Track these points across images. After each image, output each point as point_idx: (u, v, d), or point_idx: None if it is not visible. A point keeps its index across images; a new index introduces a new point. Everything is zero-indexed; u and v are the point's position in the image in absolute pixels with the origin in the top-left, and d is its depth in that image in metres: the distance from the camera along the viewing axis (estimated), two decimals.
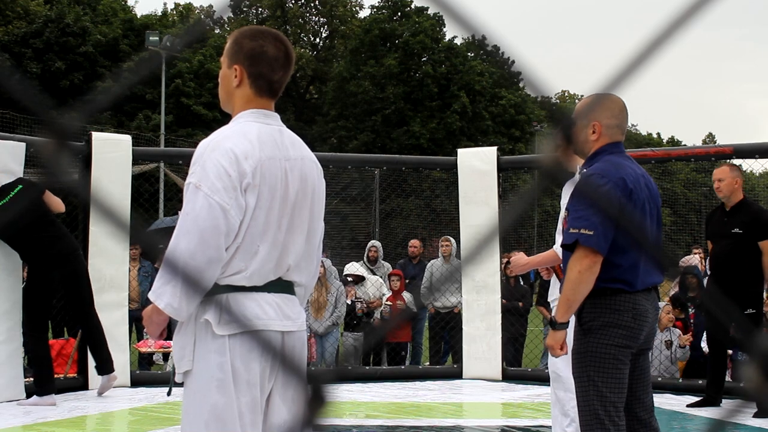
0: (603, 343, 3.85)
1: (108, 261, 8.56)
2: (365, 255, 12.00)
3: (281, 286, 2.99)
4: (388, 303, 10.82)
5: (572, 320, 4.99)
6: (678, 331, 9.54)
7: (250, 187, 2.84)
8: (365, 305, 10.81)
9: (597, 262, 3.77)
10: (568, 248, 3.84)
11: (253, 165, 2.85)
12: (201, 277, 2.77)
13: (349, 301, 10.79)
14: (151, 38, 32.71)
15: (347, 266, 11.56)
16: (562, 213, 5.37)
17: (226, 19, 47.45)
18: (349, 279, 11.07)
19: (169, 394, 3.37)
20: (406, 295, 11.09)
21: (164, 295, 2.80)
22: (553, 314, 4.03)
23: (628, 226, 3.80)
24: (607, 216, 3.80)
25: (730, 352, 8.80)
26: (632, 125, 63.51)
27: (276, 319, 2.93)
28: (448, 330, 11.00)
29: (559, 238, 5.32)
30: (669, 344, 9.36)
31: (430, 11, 44.78)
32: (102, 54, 38.84)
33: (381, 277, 11.43)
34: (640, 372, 4.03)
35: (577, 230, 3.79)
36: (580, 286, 3.79)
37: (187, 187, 2.84)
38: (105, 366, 7.96)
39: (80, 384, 8.55)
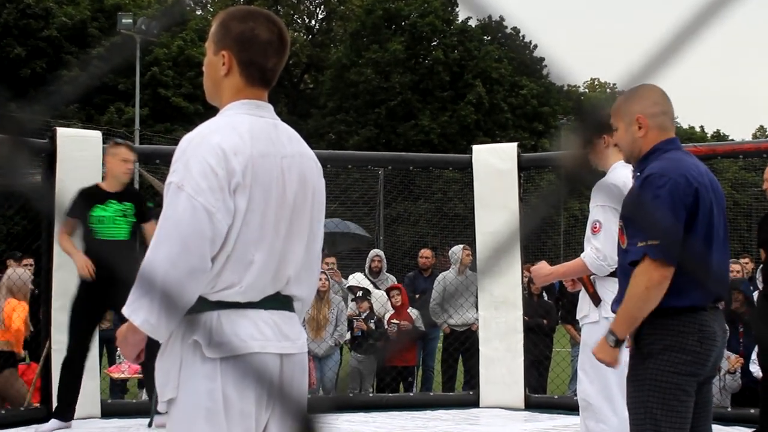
0: (665, 370, 3.79)
1: (75, 274, 8.55)
2: (367, 266, 11.98)
3: (279, 301, 2.98)
4: (394, 322, 10.80)
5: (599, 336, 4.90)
6: (730, 354, 9.49)
7: (239, 187, 2.84)
8: (364, 323, 10.79)
9: (667, 277, 3.73)
10: (636, 264, 3.81)
11: (244, 162, 2.85)
12: (183, 289, 2.75)
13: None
14: (123, 21, 32.72)
15: (350, 277, 11.53)
16: (591, 217, 5.38)
17: None
18: (359, 294, 11.05)
19: (150, 425, 3.36)
20: (413, 312, 11.07)
21: (140, 310, 2.78)
22: (611, 327, 3.97)
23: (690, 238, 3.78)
24: (673, 222, 3.77)
25: None
26: None
27: (274, 340, 2.92)
28: (462, 351, 10.98)
29: (588, 246, 5.31)
30: (718, 370, 9.32)
31: None
32: (68, 39, 38.89)
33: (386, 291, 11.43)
34: (703, 403, 3.95)
35: (644, 243, 3.75)
36: (647, 303, 3.75)
37: (168, 187, 2.83)
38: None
39: (43, 415, 8.54)
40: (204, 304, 2.85)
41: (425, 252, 12.35)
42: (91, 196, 7.84)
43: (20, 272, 9.54)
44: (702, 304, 3.84)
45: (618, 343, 3.88)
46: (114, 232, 7.79)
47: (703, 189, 3.84)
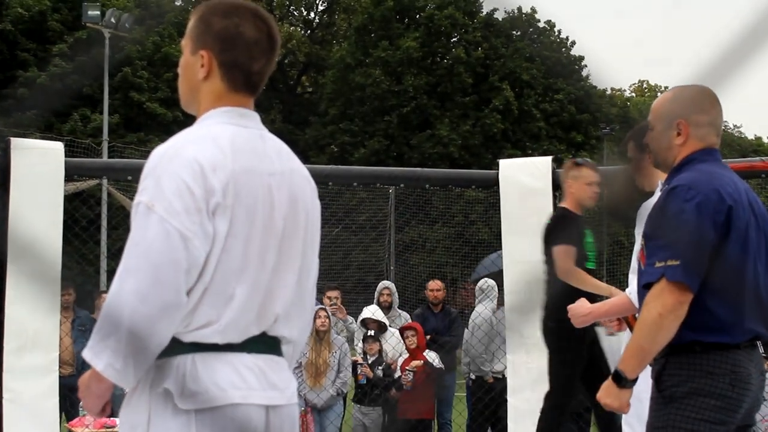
0: (690, 417, 3.79)
1: (31, 311, 8.54)
2: (375, 300, 11.97)
3: (265, 343, 2.99)
4: (411, 369, 10.76)
5: (645, 379, 4.89)
6: None
7: (219, 208, 2.85)
8: (370, 369, 10.77)
9: (684, 303, 3.74)
10: (650, 287, 3.81)
11: (225, 179, 2.86)
12: (153, 328, 2.76)
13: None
14: (89, 13, 32.82)
15: (365, 309, 11.50)
16: (637, 245, 5.37)
17: None
18: (370, 332, 11.02)
19: None
20: (430, 355, 11.04)
21: (104, 353, 2.78)
22: (618, 365, 3.97)
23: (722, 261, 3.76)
24: (698, 241, 3.77)
25: None
26: (735, 126, 63.45)
27: (258, 390, 2.93)
28: (488, 402, 10.95)
29: (633, 278, 5.30)
30: None
31: None
32: (24, 33, 39.01)
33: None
34: None
35: (662, 263, 3.76)
36: (660, 333, 3.76)
37: (136, 208, 2.84)
38: None
39: None
40: (176, 346, 2.85)
41: (435, 284, 12.33)
42: (577, 220, 8.07)
43: None
44: (736, 342, 3.83)
45: (626, 384, 3.87)
46: (592, 262, 8.05)
47: (738, 208, 3.85)
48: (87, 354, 2.81)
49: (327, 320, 10.57)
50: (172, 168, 2.83)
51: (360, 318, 11.40)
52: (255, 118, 3.08)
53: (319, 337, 10.47)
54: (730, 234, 3.81)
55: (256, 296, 2.92)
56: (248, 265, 2.90)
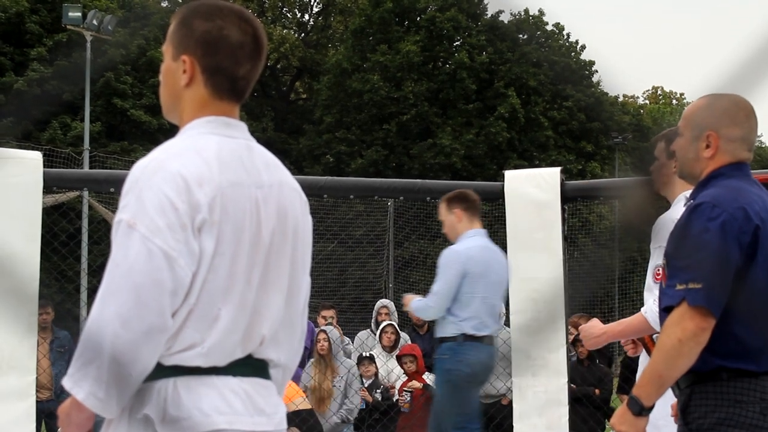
0: None
1: (6, 331, 8.53)
2: (373, 320, 11.94)
3: (252, 367, 2.97)
4: (408, 390, 10.73)
5: (662, 405, 4.89)
6: None
7: (206, 224, 2.83)
8: (369, 393, 10.74)
9: (706, 329, 3.71)
10: (671, 310, 3.79)
11: (211, 194, 2.84)
12: (137, 354, 2.74)
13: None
14: (70, 14, 32.80)
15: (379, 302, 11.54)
16: (653, 261, 5.36)
17: None
18: (365, 353, 11.01)
19: None
20: (429, 379, 11.02)
21: (85, 381, 2.76)
22: (633, 391, 3.95)
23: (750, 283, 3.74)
24: (722, 263, 3.75)
25: None
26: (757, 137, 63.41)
27: (245, 415, 2.91)
28: (492, 429, 10.92)
29: (649, 297, 5.28)
30: None
31: None
32: (1, 36, 39.03)
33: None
34: None
35: (684, 285, 3.74)
36: (679, 360, 3.74)
37: (118, 225, 2.82)
38: None
39: None
40: (157, 370, 2.83)
41: None
42: None
43: None
44: (763, 369, 3.81)
45: (643, 411, 3.85)
46: None
47: (767, 227, 3.81)
48: (67, 382, 2.78)
49: (327, 343, 10.51)
50: (154, 182, 2.81)
51: (376, 306, 11.40)
52: (241, 127, 3.06)
53: (324, 361, 10.42)
54: (757, 255, 3.78)
55: (241, 317, 2.90)
56: (234, 284, 2.88)
